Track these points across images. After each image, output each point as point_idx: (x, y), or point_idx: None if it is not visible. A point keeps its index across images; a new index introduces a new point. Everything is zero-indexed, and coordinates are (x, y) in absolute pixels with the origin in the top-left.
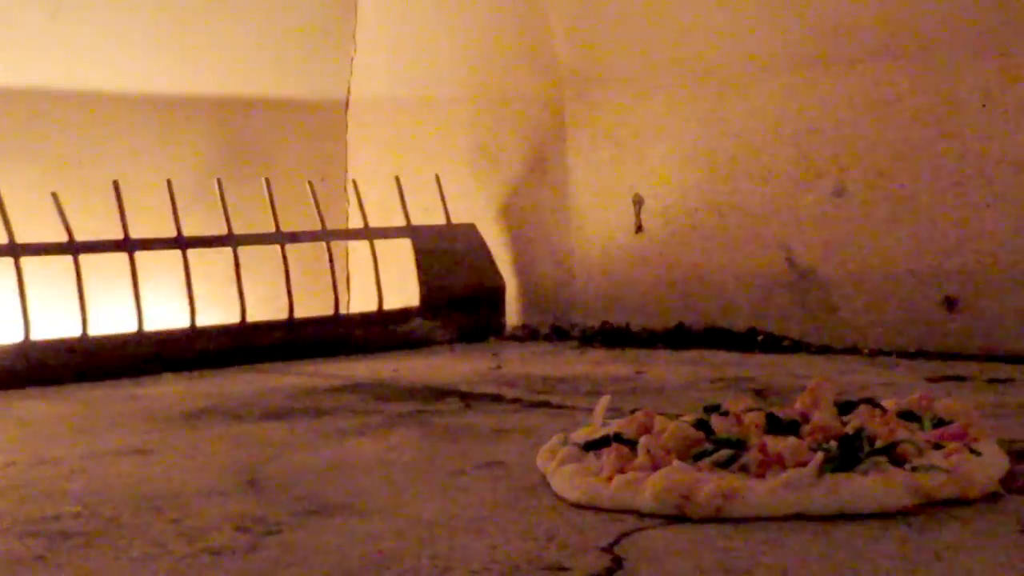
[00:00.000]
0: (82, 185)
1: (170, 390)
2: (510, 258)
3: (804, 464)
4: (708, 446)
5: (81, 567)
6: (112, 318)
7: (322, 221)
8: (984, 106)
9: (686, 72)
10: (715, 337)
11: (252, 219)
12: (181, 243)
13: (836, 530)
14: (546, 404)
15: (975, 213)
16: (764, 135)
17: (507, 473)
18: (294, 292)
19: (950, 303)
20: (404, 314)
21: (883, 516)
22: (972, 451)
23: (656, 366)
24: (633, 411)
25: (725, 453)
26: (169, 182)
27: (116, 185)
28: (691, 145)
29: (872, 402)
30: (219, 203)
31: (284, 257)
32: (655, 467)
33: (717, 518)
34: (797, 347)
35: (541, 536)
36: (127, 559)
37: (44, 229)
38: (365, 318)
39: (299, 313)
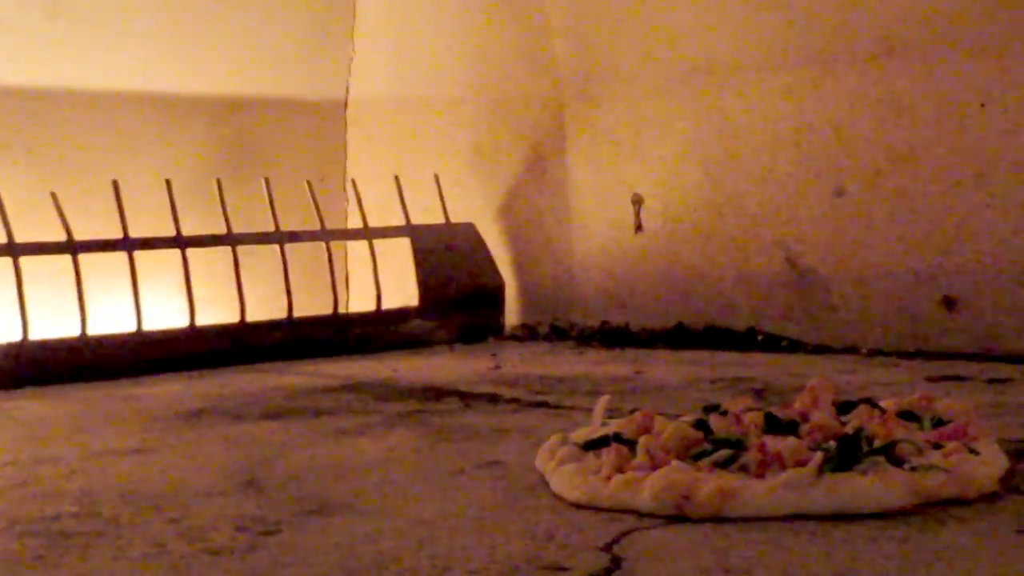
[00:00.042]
0: (81, 185)
1: (169, 390)
2: (509, 258)
3: (803, 464)
4: (707, 446)
5: (80, 567)
6: (111, 318)
7: (321, 221)
8: (983, 106)
9: (686, 71)
10: (714, 337)
11: (251, 219)
12: (180, 243)
13: (835, 530)
14: (545, 404)
15: (974, 213)
16: (764, 135)
17: (506, 473)
18: (293, 292)
19: (949, 303)
20: (403, 314)
21: (882, 516)
22: (971, 451)
23: (655, 366)
24: (632, 411)
25: (724, 453)
26: (168, 182)
27: (115, 185)
28: (691, 145)
29: (871, 402)
30: (218, 203)
31: (283, 257)
32: (654, 467)
33: (716, 518)
34: (796, 347)
35: (540, 536)
36: (126, 559)
37: (43, 229)
38: (364, 318)
39: (298, 313)
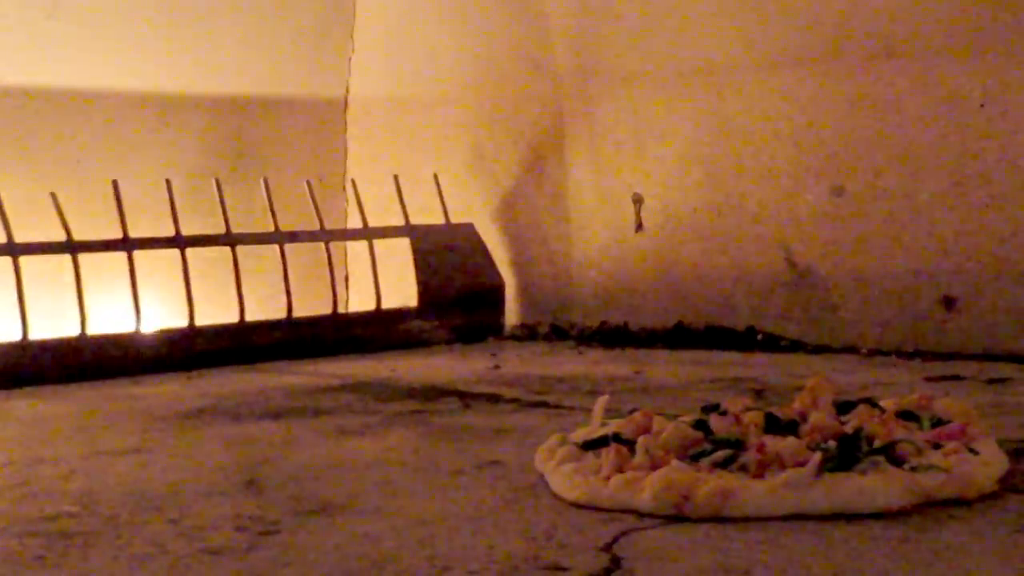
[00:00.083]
0: (80, 184)
1: (168, 390)
2: (509, 257)
3: (803, 464)
4: (707, 446)
5: (80, 567)
6: (111, 317)
7: (320, 220)
8: (983, 106)
9: (685, 71)
10: (714, 337)
11: (251, 218)
12: (180, 242)
13: (835, 530)
14: (545, 404)
15: (974, 213)
16: (763, 134)
17: (505, 473)
18: (292, 291)
19: (949, 302)
20: (402, 313)
21: (882, 516)
22: (971, 451)
23: (655, 366)
24: (632, 411)
25: (724, 453)
26: (168, 181)
27: (115, 184)
28: (690, 144)
29: (871, 402)
30: (218, 203)
31: (283, 256)
32: (654, 467)
33: (716, 518)
34: (796, 346)
35: (540, 536)
36: (126, 559)
37: (42, 228)
38: (364, 317)
39: (298, 313)
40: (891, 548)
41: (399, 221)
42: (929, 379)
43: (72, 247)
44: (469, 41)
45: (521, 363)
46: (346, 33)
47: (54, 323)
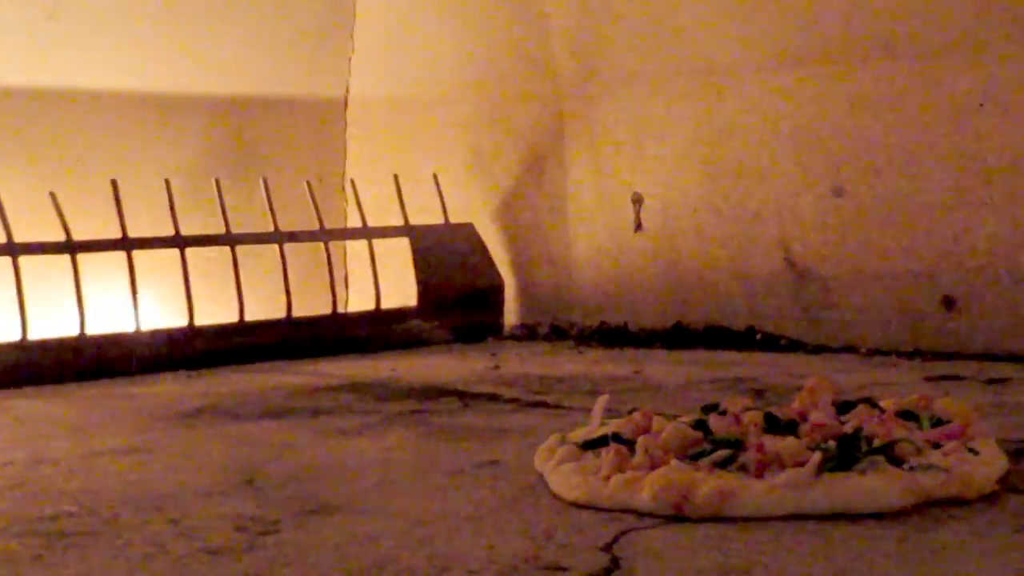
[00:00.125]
0: (80, 184)
1: (168, 389)
2: (508, 257)
3: (802, 464)
4: (706, 446)
5: (79, 567)
6: (110, 317)
7: (320, 220)
8: (982, 105)
9: (685, 71)
10: (714, 337)
11: (250, 218)
12: (179, 242)
13: (834, 530)
14: (544, 404)
15: (973, 212)
16: (763, 134)
17: (505, 473)
18: (292, 291)
19: (948, 302)
20: (402, 313)
21: (881, 516)
22: (970, 451)
23: (654, 366)
24: (631, 411)
25: (723, 453)
26: (167, 181)
27: (114, 184)
28: (690, 144)
29: (870, 401)
30: (217, 202)
31: (282, 256)
32: (653, 467)
33: (715, 518)
34: (795, 346)
35: (539, 535)
36: (125, 558)
37: (42, 228)
38: (363, 317)
39: (297, 312)
40: (891, 548)
41: (399, 221)
42: (929, 379)
43: (71, 247)
44: (469, 41)
45: (521, 363)
46: (346, 33)
47: (54, 323)
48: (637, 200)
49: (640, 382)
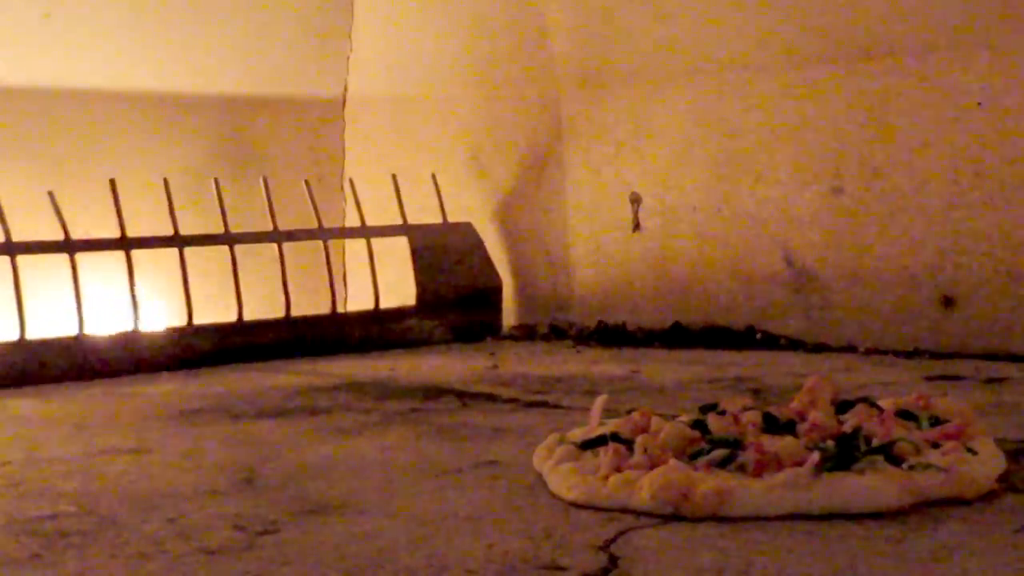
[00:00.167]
0: (78, 184)
1: (166, 389)
2: (507, 257)
3: (801, 464)
4: (705, 445)
5: (77, 566)
6: (108, 317)
7: (319, 219)
8: (980, 105)
9: (684, 70)
10: (712, 336)
11: (249, 217)
12: (178, 242)
13: (833, 530)
14: (543, 403)
15: (972, 212)
16: (762, 134)
17: (504, 472)
18: (291, 291)
19: (947, 302)
20: (401, 313)
21: (880, 515)
22: (969, 450)
23: (653, 365)
24: (630, 410)
25: (722, 452)
26: (166, 180)
27: (113, 183)
28: (689, 143)
29: (869, 401)
30: (216, 202)
31: (281, 255)
32: (652, 466)
33: (714, 517)
34: (794, 346)
35: (537, 535)
36: (123, 558)
37: (40, 228)
38: (362, 317)
39: (296, 312)
40: (889, 547)
41: (397, 221)
42: (928, 378)
43: (70, 246)
44: (468, 41)
45: (519, 363)
46: (345, 33)
47: (52, 322)
48: (636, 200)
49: (639, 382)
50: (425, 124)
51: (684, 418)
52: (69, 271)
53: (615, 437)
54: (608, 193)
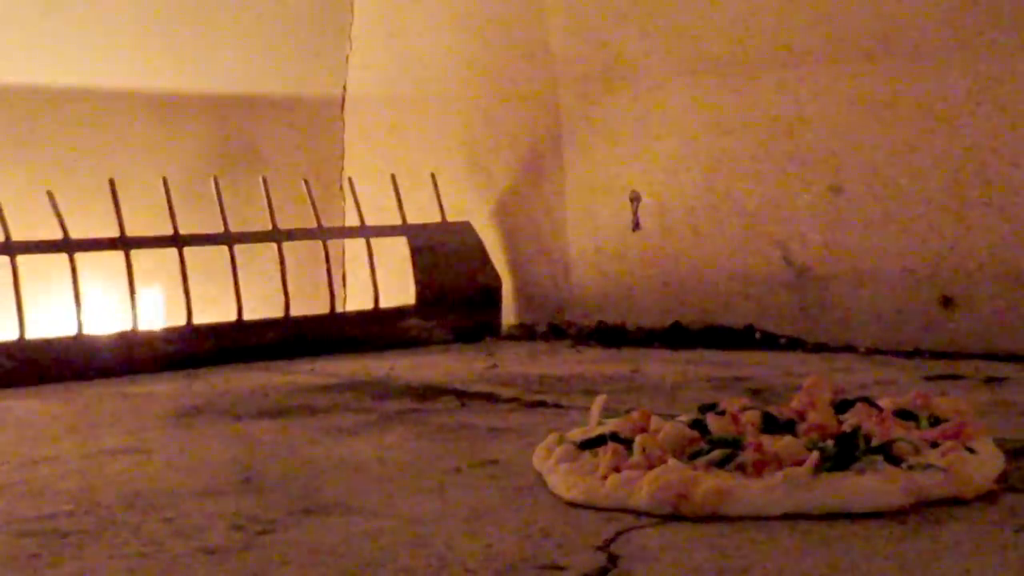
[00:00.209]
0: (77, 183)
1: (165, 389)
2: (506, 257)
3: (800, 463)
4: (704, 445)
5: (76, 566)
6: (108, 316)
7: (318, 219)
8: (980, 104)
9: (683, 69)
10: (712, 336)
11: (248, 217)
12: (177, 241)
13: (832, 529)
14: (542, 403)
15: (972, 211)
16: (761, 133)
17: (503, 472)
18: (290, 290)
19: (947, 301)
20: (400, 312)
21: (879, 515)
22: (968, 450)
23: (652, 365)
24: (629, 410)
25: (721, 452)
26: (165, 180)
27: (112, 183)
28: (688, 142)
29: (868, 400)
30: (215, 201)
31: (280, 255)
32: (651, 466)
33: (713, 517)
34: (794, 345)
35: (536, 535)
36: (121, 557)
37: (40, 227)
38: (361, 316)
39: (295, 311)
40: (889, 547)
41: (396, 220)
42: (927, 378)
43: (69, 246)
44: (467, 39)
45: (518, 362)
46: (343, 31)
47: (51, 322)
48: (635, 199)
49: (638, 381)
50: (424, 123)
51: (683, 418)
52: (68, 271)
53: (614, 437)
54: (608, 193)
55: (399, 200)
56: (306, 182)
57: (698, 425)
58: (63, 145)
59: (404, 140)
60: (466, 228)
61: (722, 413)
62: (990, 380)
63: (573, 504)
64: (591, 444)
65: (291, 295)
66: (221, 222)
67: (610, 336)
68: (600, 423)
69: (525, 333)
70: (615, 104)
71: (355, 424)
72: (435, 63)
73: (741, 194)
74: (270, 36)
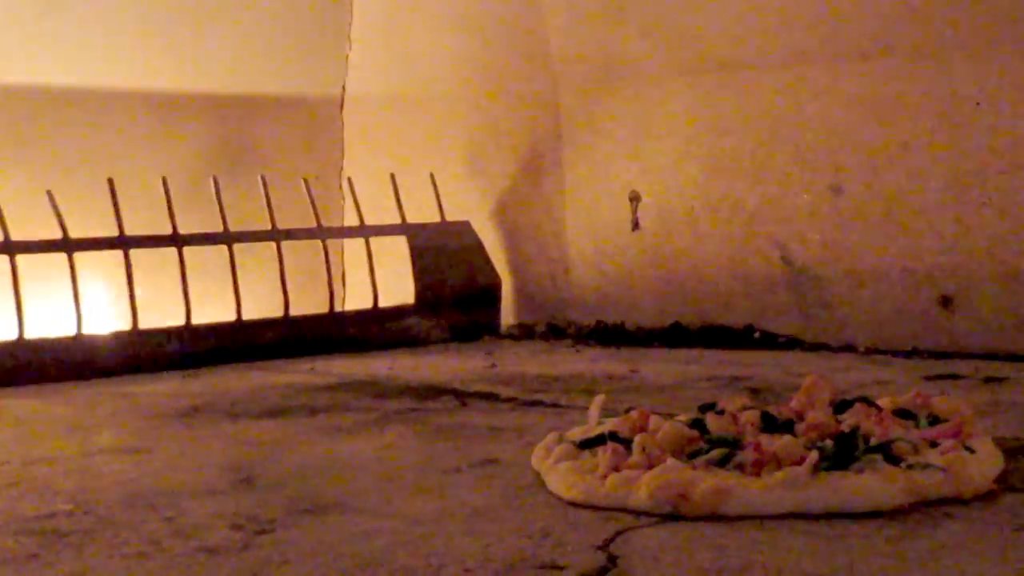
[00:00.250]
0: (77, 182)
1: (165, 388)
2: (506, 256)
3: (799, 463)
4: (703, 445)
5: (75, 565)
6: (107, 316)
7: (317, 218)
8: (979, 104)
9: (683, 69)
10: (711, 335)
11: (248, 216)
12: (177, 241)
13: (831, 529)
14: (541, 403)
15: (971, 211)
16: (761, 133)
17: (502, 471)
18: (289, 290)
19: (946, 301)
20: (399, 312)
21: (878, 514)
22: (967, 449)
23: (651, 364)
24: (628, 410)
25: (720, 452)
26: (164, 179)
27: (111, 183)
28: (688, 142)
29: (867, 400)
30: (215, 201)
31: (280, 254)
32: (650, 466)
33: (712, 516)
34: (793, 345)
35: (536, 534)
36: (121, 557)
37: (39, 227)
38: (360, 316)
39: (295, 311)
40: (888, 546)
41: (396, 219)
42: (926, 378)
43: (68, 245)
44: (466, 39)
45: (518, 362)
46: (343, 31)
47: (50, 321)
48: (634, 199)
49: (637, 381)
50: (423, 123)
51: (682, 417)
52: (68, 270)
53: (613, 436)
54: (607, 192)
55: (398, 200)
56: (306, 181)
57: (697, 424)
58: (63, 145)
59: (404, 140)
60: (466, 228)
61: (721, 413)
62: (989, 380)
63: (572, 504)
64: (590, 444)
65: (290, 294)
66: (221, 221)
67: (609, 336)
68: (599, 422)
69: (524, 333)
70: (615, 104)
71: (354, 424)
72: (435, 63)
73: (741, 194)
74: (270, 36)
